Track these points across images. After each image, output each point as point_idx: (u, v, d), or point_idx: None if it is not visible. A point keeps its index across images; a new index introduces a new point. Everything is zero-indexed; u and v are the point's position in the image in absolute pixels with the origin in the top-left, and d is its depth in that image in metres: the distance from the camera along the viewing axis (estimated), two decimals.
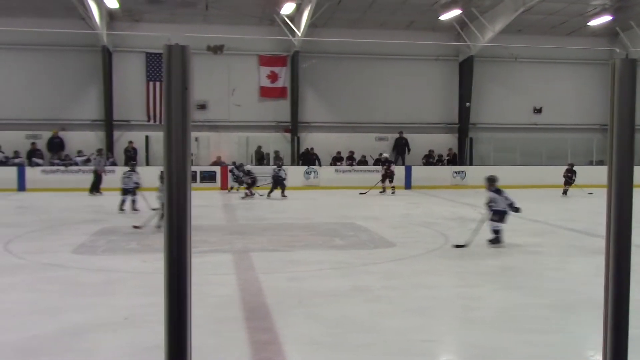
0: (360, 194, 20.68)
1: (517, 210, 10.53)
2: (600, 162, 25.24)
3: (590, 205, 17.03)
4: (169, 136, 1.65)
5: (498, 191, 10.60)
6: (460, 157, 26.53)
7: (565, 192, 20.90)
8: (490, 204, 10.60)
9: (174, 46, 1.64)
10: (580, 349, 5.45)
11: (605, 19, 24.10)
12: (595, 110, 26.35)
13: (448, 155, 26.43)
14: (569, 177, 20.98)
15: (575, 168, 21.23)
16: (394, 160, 24.41)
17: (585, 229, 12.45)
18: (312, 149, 24.97)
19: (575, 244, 11.16)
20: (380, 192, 21.17)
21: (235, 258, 9.65)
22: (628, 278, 1.75)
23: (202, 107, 24.56)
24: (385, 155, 22.96)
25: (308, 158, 24.78)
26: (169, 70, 1.64)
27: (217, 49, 23.46)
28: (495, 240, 10.41)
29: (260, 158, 25.06)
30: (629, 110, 1.77)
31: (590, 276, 7.82)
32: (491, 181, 10.77)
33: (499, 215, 10.43)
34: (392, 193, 21.04)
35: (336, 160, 25.14)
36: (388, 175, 21.42)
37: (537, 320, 6.26)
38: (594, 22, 24.55)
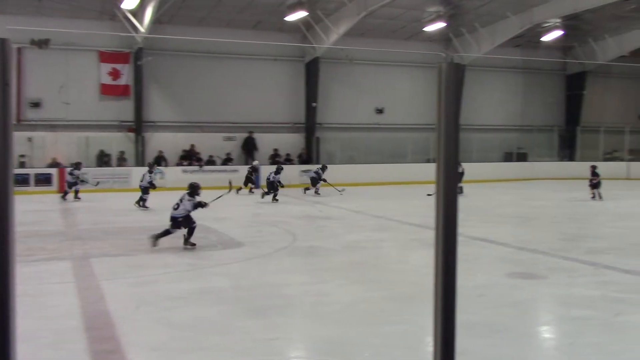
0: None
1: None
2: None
3: (427, 200, 18.09)
4: None
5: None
6: (307, 156, 27.05)
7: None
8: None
9: None
10: (420, 337, 5.75)
11: (440, 25, 25.72)
12: (432, 110, 27.89)
13: (300, 155, 26.83)
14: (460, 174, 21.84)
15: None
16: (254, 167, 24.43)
17: (424, 223, 13.20)
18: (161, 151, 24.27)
19: (415, 238, 11.81)
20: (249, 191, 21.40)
21: (75, 265, 9.12)
22: (455, 267, 1.85)
23: (36, 105, 22.91)
24: (256, 162, 22.84)
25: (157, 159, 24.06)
26: None
27: (41, 43, 21.92)
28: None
29: (103, 160, 23.90)
30: (454, 111, 1.87)
31: (430, 267, 8.27)
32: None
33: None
34: (251, 193, 21.10)
35: (183, 159, 24.59)
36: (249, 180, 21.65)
37: (381, 313, 6.54)
38: (430, 28, 26.09)
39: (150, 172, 17.70)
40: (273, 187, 19.15)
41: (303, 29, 25.51)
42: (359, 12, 22.86)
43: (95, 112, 23.97)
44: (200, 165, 24.15)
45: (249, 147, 25.93)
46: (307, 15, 23.62)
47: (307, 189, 21.16)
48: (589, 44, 29.69)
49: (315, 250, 10.35)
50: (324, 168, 21.55)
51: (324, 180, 20.88)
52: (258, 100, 26.16)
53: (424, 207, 16.29)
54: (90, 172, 21.81)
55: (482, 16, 25.46)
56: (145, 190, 17.13)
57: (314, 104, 26.74)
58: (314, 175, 21.23)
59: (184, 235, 10.48)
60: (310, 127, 27.06)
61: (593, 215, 16.43)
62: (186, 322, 6.11)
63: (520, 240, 11.42)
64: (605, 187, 19.52)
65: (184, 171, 23.29)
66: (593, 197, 19.20)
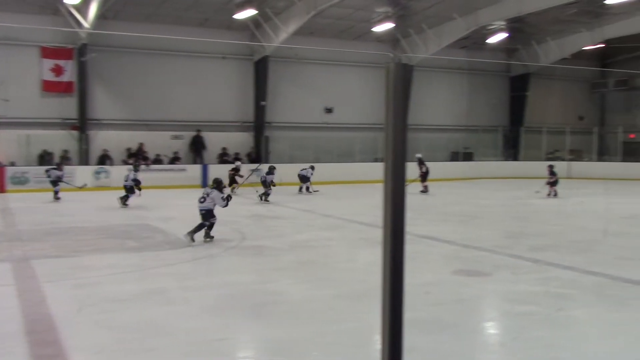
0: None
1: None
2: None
3: (373, 200, 18.23)
4: None
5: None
6: (256, 155, 26.90)
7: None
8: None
9: None
10: (368, 335, 5.78)
11: (388, 26, 25.97)
12: (380, 110, 28.16)
13: (249, 154, 26.64)
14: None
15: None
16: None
17: (372, 222, 13.31)
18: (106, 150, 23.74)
19: (363, 236, 11.90)
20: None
21: (15, 267, 8.81)
22: (402, 265, 1.85)
23: None
24: (238, 163, 22.53)
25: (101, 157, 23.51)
26: None
27: None
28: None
29: (46, 159, 23.20)
30: (402, 110, 1.88)
31: (378, 265, 8.35)
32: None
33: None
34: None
35: (130, 158, 24.10)
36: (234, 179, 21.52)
37: (330, 311, 6.55)
38: (378, 29, 26.31)
39: (135, 170, 17.64)
40: (266, 186, 19.11)
41: (252, 28, 25.35)
42: (308, 11, 22.87)
43: (36, 110, 23.22)
44: (147, 164, 23.71)
45: (197, 146, 25.62)
46: (256, 13, 23.51)
47: (301, 188, 21.51)
48: (532, 47, 30.49)
49: (264, 249, 10.31)
50: (312, 168, 21.90)
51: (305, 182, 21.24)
52: (206, 99, 25.89)
53: (372, 206, 16.44)
54: (30, 171, 21.28)
55: (430, 18, 25.83)
56: (130, 189, 16.98)
57: (262, 103, 26.62)
58: (303, 174, 21.60)
59: (205, 229, 11.03)
60: (259, 126, 26.92)
61: (536, 214, 16.86)
62: (131, 324, 5.98)
63: (466, 239, 11.62)
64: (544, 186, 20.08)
65: (130, 170, 22.78)
66: (549, 195, 19.82)
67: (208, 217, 11.02)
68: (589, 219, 15.54)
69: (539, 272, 8.60)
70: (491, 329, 6.48)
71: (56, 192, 18.61)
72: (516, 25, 27.00)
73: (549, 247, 10.72)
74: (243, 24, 24.91)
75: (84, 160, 23.48)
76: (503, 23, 26.68)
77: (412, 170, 21.62)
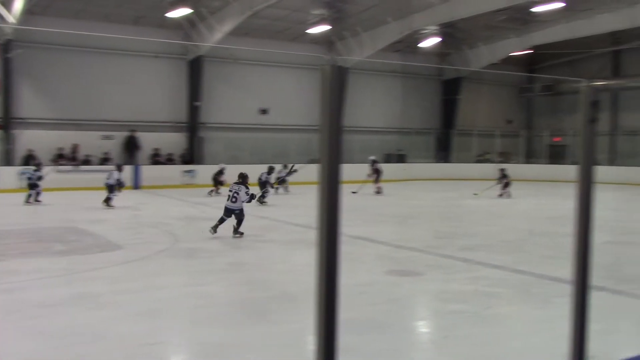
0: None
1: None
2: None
3: (310, 201, 18.29)
4: None
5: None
6: (190, 156, 26.53)
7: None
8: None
9: None
10: (303, 336, 5.78)
11: (324, 28, 26.11)
12: (316, 112, 28.25)
13: (182, 155, 26.23)
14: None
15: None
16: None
17: (307, 223, 13.34)
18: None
19: (298, 238, 11.92)
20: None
21: None
22: (337, 266, 1.86)
23: None
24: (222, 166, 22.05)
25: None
26: None
27: None
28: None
29: None
30: (337, 112, 1.89)
31: (312, 267, 8.37)
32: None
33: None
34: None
35: (59, 158, 23.31)
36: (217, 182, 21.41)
37: (265, 313, 6.52)
38: (314, 30, 26.43)
39: (119, 170, 17.52)
40: (263, 187, 18.95)
41: (186, 27, 25.00)
42: (243, 11, 22.73)
43: None
44: (76, 165, 23.01)
45: (130, 147, 25.03)
46: (191, 12, 23.20)
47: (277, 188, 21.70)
48: (464, 51, 31.32)
49: (197, 251, 10.17)
50: (286, 167, 22.05)
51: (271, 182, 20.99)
52: (138, 98, 25.34)
53: (307, 207, 16.47)
54: None
55: (365, 21, 26.13)
56: (110, 188, 16.79)
57: (197, 103, 26.28)
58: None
59: (234, 225, 11.45)
60: (193, 126, 26.55)
61: (467, 214, 17.31)
62: (59, 330, 5.79)
63: (399, 239, 11.81)
64: (477, 187, 20.65)
65: (58, 171, 22.01)
66: (501, 195, 20.70)
67: (240, 215, 11.46)
68: (518, 219, 16.07)
69: (469, 272, 8.83)
70: (423, 327, 6.61)
71: (37, 194, 17.65)
72: (448, 30, 27.66)
73: (479, 247, 11.01)
74: (177, 23, 24.53)
75: (8, 161, 22.58)
76: (436, 28, 27.29)
77: (365, 171, 22.09)
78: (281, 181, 22.03)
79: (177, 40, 25.22)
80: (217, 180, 21.36)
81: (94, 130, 24.51)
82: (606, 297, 7.12)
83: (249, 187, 11.83)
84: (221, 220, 11.42)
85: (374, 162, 22.33)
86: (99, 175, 21.10)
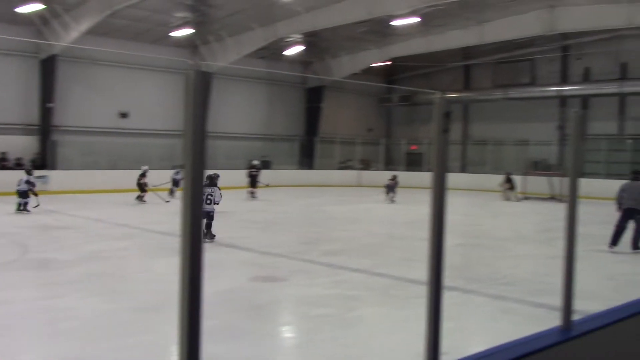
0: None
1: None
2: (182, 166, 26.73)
3: (173, 207, 17.87)
4: None
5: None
6: (42, 160, 24.94)
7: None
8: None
9: None
10: (166, 346, 5.63)
11: (187, 31, 25.65)
12: (179, 116, 27.66)
13: (33, 160, 24.56)
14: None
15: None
16: None
17: (169, 230, 13.00)
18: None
19: (160, 245, 11.57)
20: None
21: None
22: (200, 274, 1.83)
23: None
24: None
25: None
26: None
27: None
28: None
29: None
30: (201, 118, 1.86)
31: (175, 275, 8.16)
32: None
33: None
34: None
35: None
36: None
37: (126, 324, 6.27)
38: (177, 34, 25.89)
39: (29, 173, 17.18)
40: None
41: (38, 23, 23.52)
42: (102, 10, 21.78)
43: None
44: None
45: None
46: (43, 8, 21.83)
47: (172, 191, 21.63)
48: (327, 61, 32.09)
49: (50, 262, 9.59)
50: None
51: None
52: None
53: (169, 214, 16.09)
54: None
55: (229, 26, 25.99)
56: (23, 194, 16.41)
57: (49, 105, 24.76)
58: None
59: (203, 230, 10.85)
60: (45, 129, 24.97)
61: (328, 220, 17.70)
62: None
63: (264, 245, 11.84)
64: (337, 194, 21.17)
65: None
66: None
67: (212, 217, 11.69)
68: (378, 224, 16.68)
69: (332, 276, 9.03)
70: (288, 332, 6.67)
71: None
72: (312, 39, 28.21)
73: (341, 251, 11.30)
74: (28, 19, 23.00)
75: None
76: (300, 36, 27.72)
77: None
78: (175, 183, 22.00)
79: (28, 38, 23.62)
80: (141, 184, 20.49)
81: None
82: (458, 297, 7.57)
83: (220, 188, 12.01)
84: (208, 227, 11.47)
85: (255, 166, 23.21)
86: None
